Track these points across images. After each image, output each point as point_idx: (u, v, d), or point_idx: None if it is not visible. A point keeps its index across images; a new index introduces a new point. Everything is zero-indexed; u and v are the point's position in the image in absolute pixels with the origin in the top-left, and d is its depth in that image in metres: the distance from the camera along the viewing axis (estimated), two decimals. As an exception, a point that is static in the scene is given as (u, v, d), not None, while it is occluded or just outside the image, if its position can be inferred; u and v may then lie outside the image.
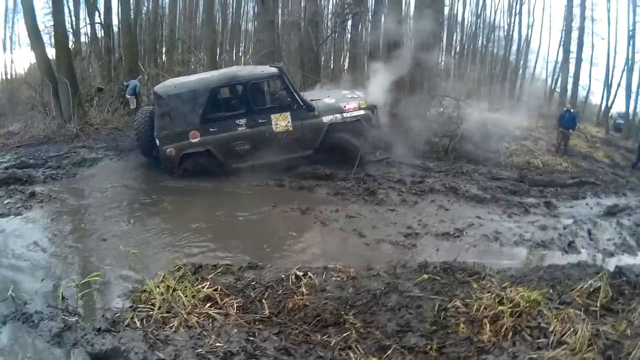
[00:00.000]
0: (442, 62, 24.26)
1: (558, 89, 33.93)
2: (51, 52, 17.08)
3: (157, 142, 9.99)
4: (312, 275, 5.39)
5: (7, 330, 4.59)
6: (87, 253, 6.50)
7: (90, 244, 6.81)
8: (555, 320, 4.37)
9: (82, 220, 7.76)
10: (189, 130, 9.83)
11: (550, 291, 4.93)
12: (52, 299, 5.13)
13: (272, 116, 10.14)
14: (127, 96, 17.01)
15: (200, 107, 9.83)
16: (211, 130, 9.91)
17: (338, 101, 10.78)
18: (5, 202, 8.39)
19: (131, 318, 4.63)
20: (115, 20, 23.24)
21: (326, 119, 10.36)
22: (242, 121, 10.03)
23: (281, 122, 10.13)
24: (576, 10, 32.18)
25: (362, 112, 10.63)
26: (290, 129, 10.18)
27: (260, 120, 10.08)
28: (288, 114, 10.18)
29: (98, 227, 7.41)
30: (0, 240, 6.83)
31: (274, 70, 10.39)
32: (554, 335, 4.20)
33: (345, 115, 10.48)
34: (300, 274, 5.41)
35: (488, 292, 4.88)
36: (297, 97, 10.27)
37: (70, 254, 6.45)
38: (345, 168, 10.19)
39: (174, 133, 9.79)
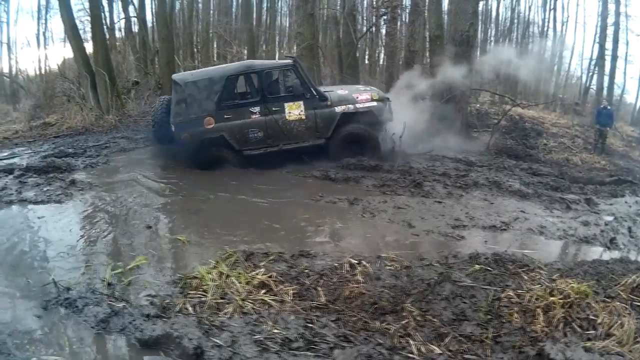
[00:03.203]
0: (478, 57, 24.27)
1: (593, 87, 33.52)
2: (87, 47, 17.57)
3: (173, 128, 10.18)
4: (366, 263, 5.40)
5: (48, 315, 4.54)
6: (131, 240, 6.54)
7: (134, 230, 6.85)
8: (603, 312, 4.41)
9: (124, 207, 7.84)
10: (204, 117, 10.06)
11: (596, 285, 4.96)
12: (96, 284, 5.11)
13: (286, 104, 10.36)
14: None
15: (216, 94, 10.06)
16: (226, 117, 10.12)
17: (351, 92, 11.02)
18: (45, 189, 8.52)
19: (183, 304, 4.62)
20: (148, 15, 23.64)
21: (339, 108, 10.56)
22: (256, 109, 10.24)
23: (294, 110, 10.35)
24: (611, 7, 31.82)
25: (374, 103, 10.82)
26: (303, 117, 10.40)
27: (273, 108, 10.29)
28: (301, 102, 10.39)
29: (141, 214, 7.50)
30: (41, 226, 6.88)
31: (288, 60, 10.71)
32: (602, 327, 4.25)
33: (357, 105, 10.68)
34: (355, 262, 5.44)
35: (538, 283, 4.92)
36: (311, 87, 10.49)
37: (113, 240, 6.51)
38: (377, 159, 10.43)
39: (189, 119, 10.03)
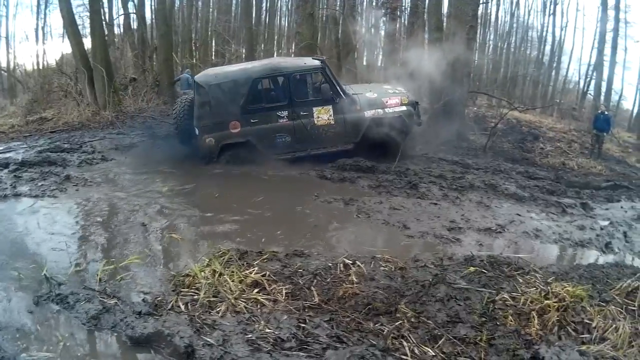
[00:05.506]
0: (476, 61, 24.32)
1: (591, 92, 33.57)
2: (85, 42, 17.67)
3: (197, 131, 10.01)
4: (360, 264, 5.39)
5: (40, 311, 4.54)
6: (124, 236, 6.49)
7: (128, 227, 6.81)
8: (598, 316, 4.43)
9: (118, 204, 7.80)
10: (230, 121, 9.88)
11: (591, 289, 4.95)
12: (88, 281, 5.11)
13: (314, 109, 10.19)
14: (183, 91, 16.78)
15: (242, 97, 9.88)
16: (252, 121, 9.94)
17: (380, 96, 10.75)
18: (40, 184, 8.54)
19: (175, 302, 4.61)
20: (147, 12, 23.70)
21: (368, 113, 10.38)
22: (284, 113, 10.07)
23: (323, 115, 10.19)
24: (610, 13, 31.90)
25: (403, 108, 10.63)
26: (332, 122, 10.23)
27: (302, 113, 10.11)
28: (330, 107, 10.22)
29: (135, 212, 7.43)
30: (35, 221, 6.87)
31: (316, 62, 10.38)
32: (597, 331, 4.27)
33: (387, 110, 10.50)
34: (349, 262, 5.41)
35: (533, 286, 4.92)
36: (340, 91, 10.28)
37: (107, 237, 6.46)
38: (386, 161, 10.18)
39: (214, 123, 9.87)
